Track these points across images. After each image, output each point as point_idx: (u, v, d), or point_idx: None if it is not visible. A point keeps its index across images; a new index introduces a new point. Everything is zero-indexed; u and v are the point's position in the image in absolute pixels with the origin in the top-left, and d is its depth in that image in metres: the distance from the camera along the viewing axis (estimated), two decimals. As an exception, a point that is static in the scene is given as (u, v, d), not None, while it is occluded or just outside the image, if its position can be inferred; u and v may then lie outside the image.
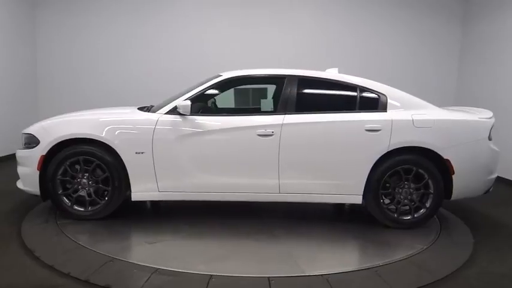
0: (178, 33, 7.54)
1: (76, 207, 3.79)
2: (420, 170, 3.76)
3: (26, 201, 4.33)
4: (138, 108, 4.11)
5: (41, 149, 3.71)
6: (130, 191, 3.75)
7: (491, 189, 4.08)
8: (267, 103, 4.23)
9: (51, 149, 3.72)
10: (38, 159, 3.70)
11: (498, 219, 4.43)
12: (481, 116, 3.92)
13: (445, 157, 3.73)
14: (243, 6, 7.45)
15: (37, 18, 7.59)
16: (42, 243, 3.31)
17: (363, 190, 3.77)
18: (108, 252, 3.09)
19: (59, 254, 3.08)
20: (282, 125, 3.70)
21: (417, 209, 3.85)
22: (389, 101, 3.86)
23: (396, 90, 3.99)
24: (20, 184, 3.92)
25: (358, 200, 3.80)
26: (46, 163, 3.74)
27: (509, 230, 4.13)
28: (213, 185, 3.76)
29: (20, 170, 3.86)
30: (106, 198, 3.78)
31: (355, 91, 3.90)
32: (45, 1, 7.57)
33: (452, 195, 3.85)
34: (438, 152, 3.73)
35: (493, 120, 3.93)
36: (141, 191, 3.77)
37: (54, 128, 3.77)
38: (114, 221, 3.81)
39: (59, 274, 2.79)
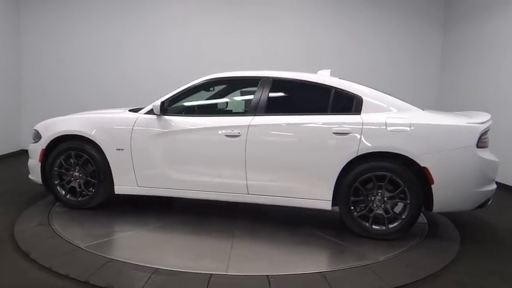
0: (172, 34, 7.50)
1: (68, 197, 4.20)
2: (395, 178, 3.50)
3: (16, 204, 4.34)
4: (130, 110, 4.41)
5: (42, 143, 4.19)
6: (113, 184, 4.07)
7: (489, 202, 3.64)
8: (240, 104, 4.28)
9: (51, 143, 4.18)
10: (40, 152, 4.21)
11: (483, 218, 4.41)
12: (471, 120, 3.52)
13: (422, 165, 3.43)
14: (234, 9, 7.48)
15: (21, 17, 7.42)
16: (37, 245, 3.27)
17: (331, 196, 3.62)
18: (72, 239, 3.34)
19: (55, 256, 3.07)
20: (249, 126, 3.72)
21: (393, 219, 3.58)
22: (364, 103, 3.65)
23: (375, 91, 3.77)
24: (30, 175, 4.45)
25: (327, 205, 3.65)
26: (48, 156, 4.22)
27: (493, 229, 4.20)
28: (186, 183, 3.90)
29: (29, 162, 4.39)
30: (93, 190, 4.14)
31: (330, 92, 3.76)
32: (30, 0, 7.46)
33: (434, 208, 3.51)
34: (414, 159, 3.44)
35: (485, 125, 3.50)
36: (122, 185, 4.06)
37: (53, 125, 4.23)
38: (108, 214, 4.10)
39: (57, 276, 2.79)
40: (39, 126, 4.33)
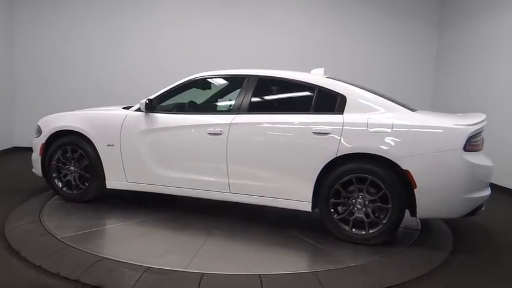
0: (170, 34, 7.49)
1: (65, 190, 4.38)
2: (376, 180, 3.35)
3: (7, 201, 4.34)
4: (123, 108, 4.51)
5: (42, 138, 4.40)
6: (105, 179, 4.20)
7: (482, 208, 3.42)
8: (226, 102, 4.27)
9: (51, 137, 4.36)
10: (40, 146, 4.42)
11: (476, 220, 4.19)
12: (460, 122, 3.31)
13: (403, 167, 3.26)
14: (232, 10, 7.50)
15: (16, 17, 7.42)
16: (28, 243, 3.25)
17: (311, 197, 3.53)
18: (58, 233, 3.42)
19: (46, 254, 3.04)
20: (231, 124, 3.71)
21: (375, 224, 3.44)
22: (348, 102, 3.53)
23: (362, 91, 3.64)
24: (33, 168, 4.67)
25: (307, 207, 3.56)
26: (47, 150, 4.42)
27: (486, 231, 4.15)
28: (170, 180, 3.95)
29: (32, 155, 4.62)
30: (86, 184, 4.29)
31: (313, 91, 3.67)
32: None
33: (418, 213, 3.34)
34: (395, 161, 3.28)
35: (475, 127, 3.26)
36: (113, 180, 4.18)
37: (52, 121, 4.43)
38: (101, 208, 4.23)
39: (48, 274, 2.78)
40: (41, 122, 4.54)
